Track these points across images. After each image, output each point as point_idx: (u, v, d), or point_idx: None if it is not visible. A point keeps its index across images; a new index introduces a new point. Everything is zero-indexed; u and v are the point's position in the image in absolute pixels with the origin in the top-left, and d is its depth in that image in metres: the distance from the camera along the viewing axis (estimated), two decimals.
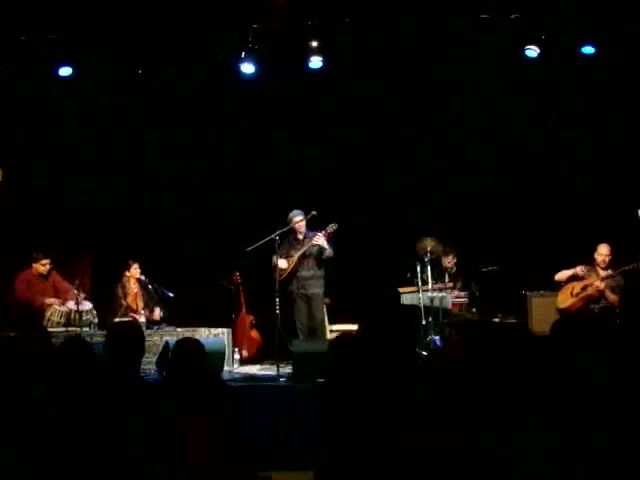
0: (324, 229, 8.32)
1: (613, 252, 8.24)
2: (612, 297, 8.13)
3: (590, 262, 8.36)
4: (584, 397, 2.74)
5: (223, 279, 9.51)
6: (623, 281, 8.14)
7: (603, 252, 8.26)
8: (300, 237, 8.52)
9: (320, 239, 8.29)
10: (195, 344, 3.98)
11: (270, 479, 3.73)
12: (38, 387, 3.43)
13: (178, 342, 4.05)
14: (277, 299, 7.98)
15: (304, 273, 8.48)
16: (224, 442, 3.42)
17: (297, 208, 8.56)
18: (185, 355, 3.84)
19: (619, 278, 8.16)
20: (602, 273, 8.24)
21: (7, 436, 3.14)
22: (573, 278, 8.40)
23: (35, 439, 3.13)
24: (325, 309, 9.01)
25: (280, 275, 8.25)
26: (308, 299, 8.50)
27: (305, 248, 8.41)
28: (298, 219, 8.45)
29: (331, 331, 8.95)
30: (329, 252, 8.39)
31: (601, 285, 8.14)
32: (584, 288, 8.25)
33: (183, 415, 3.39)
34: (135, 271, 8.82)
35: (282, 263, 8.36)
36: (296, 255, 8.41)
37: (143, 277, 8.81)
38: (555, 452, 2.64)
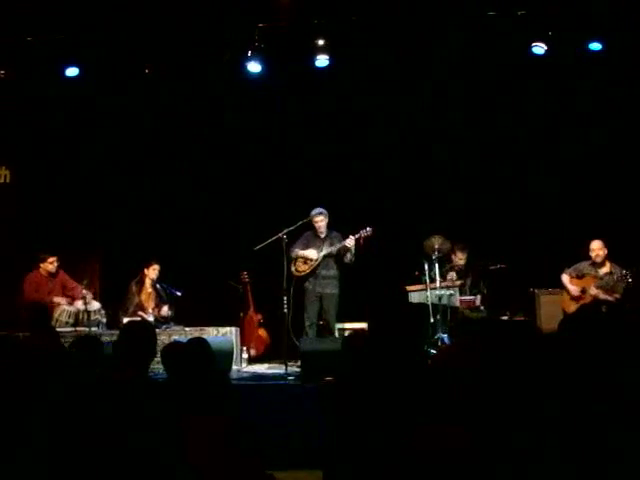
0: (358, 233, 8.20)
1: (607, 246, 8.18)
2: (610, 298, 8.07)
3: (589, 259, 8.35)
4: (598, 395, 2.72)
5: (231, 278, 9.53)
6: (624, 274, 8.02)
7: (594, 247, 8.20)
8: (322, 236, 8.46)
9: (352, 242, 8.17)
10: (192, 343, 3.98)
11: (273, 478, 3.72)
12: (54, 387, 3.44)
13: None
14: (285, 297, 7.97)
15: (323, 272, 8.37)
16: (230, 441, 3.43)
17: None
18: (187, 354, 3.84)
19: (617, 275, 8.06)
20: (600, 272, 8.21)
21: (14, 435, 3.16)
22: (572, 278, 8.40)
23: (41, 438, 3.14)
24: None
25: (300, 272, 8.27)
26: (322, 298, 8.41)
27: (333, 249, 8.31)
28: (319, 218, 8.37)
29: (339, 329, 8.94)
30: (351, 258, 8.28)
31: (594, 292, 8.09)
32: (583, 291, 8.23)
33: (189, 414, 3.39)
34: (154, 271, 8.83)
35: (313, 253, 8.33)
36: (321, 254, 8.33)
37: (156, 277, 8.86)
38: (566, 452, 2.63)
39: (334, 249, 8.32)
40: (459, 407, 3.05)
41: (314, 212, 8.40)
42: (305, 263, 8.36)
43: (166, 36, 8.46)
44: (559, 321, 3.36)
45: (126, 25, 8.23)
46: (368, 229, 8.19)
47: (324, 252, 8.35)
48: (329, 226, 8.48)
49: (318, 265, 8.36)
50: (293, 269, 8.30)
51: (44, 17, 8.04)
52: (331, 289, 8.41)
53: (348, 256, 8.28)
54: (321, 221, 8.39)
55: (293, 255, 8.29)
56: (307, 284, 8.38)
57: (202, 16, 8.17)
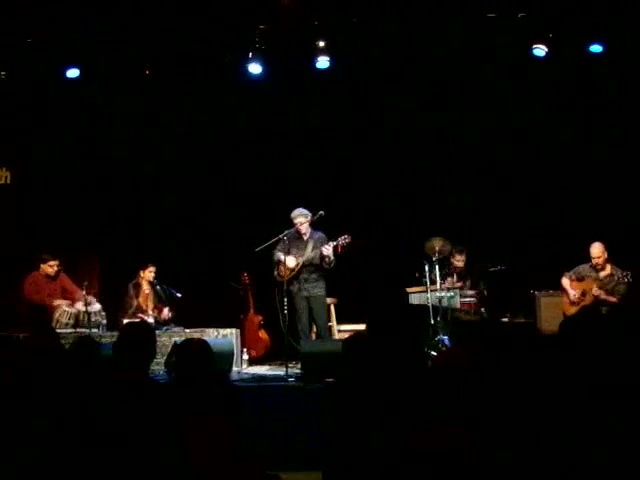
0: (336, 240, 8.02)
1: (607, 249, 8.18)
2: (611, 299, 8.08)
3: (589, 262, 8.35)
4: (598, 396, 2.72)
5: (232, 280, 9.53)
6: (624, 274, 8.02)
7: (594, 253, 8.19)
8: (304, 237, 8.30)
9: (329, 250, 8.00)
10: (200, 344, 3.98)
11: (278, 478, 3.73)
12: (54, 387, 3.45)
13: (182, 343, 4.05)
14: (285, 299, 7.94)
15: (305, 275, 8.23)
16: (231, 442, 3.43)
17: (305, 207, 8.34)
18: (190, 356, 3.84)
19: (618, 276, 8.07)
20: (600, 275, 8.22)
21: (14, 435, 3.15)
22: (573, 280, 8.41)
23: (43, 439, 3.14)
24: (333, 309, 8.99)
25: (283, 277, 8.09)
26: (309, 300, 8.28)
27: (311, 255, 8.15)
28: (300, 220, 8.21)
29: (339, 331, 8.93)
30: (329, 262, 8.08)
31: (596, 292, 8.11)
32: (583, 294, 8.23)
33: (190, 415, 3.39)
34: (150, 273, 8.81)
35: (291, 261, 8.14)
36: (301, 260, 8.17)
37: (152, 278, 8.85)
38: (567, 452, 2.63)
39: (315, 255, 8.17)
40: (459, 408, 3.05)
41: (294, 213, 8.26)
42: (287, 267, 8.26)
43: (166, 37, 8.46)
44: (559, 323, 3.36)
45: (126, 26, 8.23)
46: (346, 236, 8.02)
47: (304, 258, 8.18)
48: (313, 226, 8.32)
49: (301, 269, 8.23)
50: (275, 273, 8.18)
51: (44, 17, 8.04)
52: (316, 290, 8.29)
53: (326, 261, 8.09)
54: (302, 222, 8.21)
55: (275, 259, 8.15)
56: (292, 287, 8.23)
57: (203, 17, 8.16)
